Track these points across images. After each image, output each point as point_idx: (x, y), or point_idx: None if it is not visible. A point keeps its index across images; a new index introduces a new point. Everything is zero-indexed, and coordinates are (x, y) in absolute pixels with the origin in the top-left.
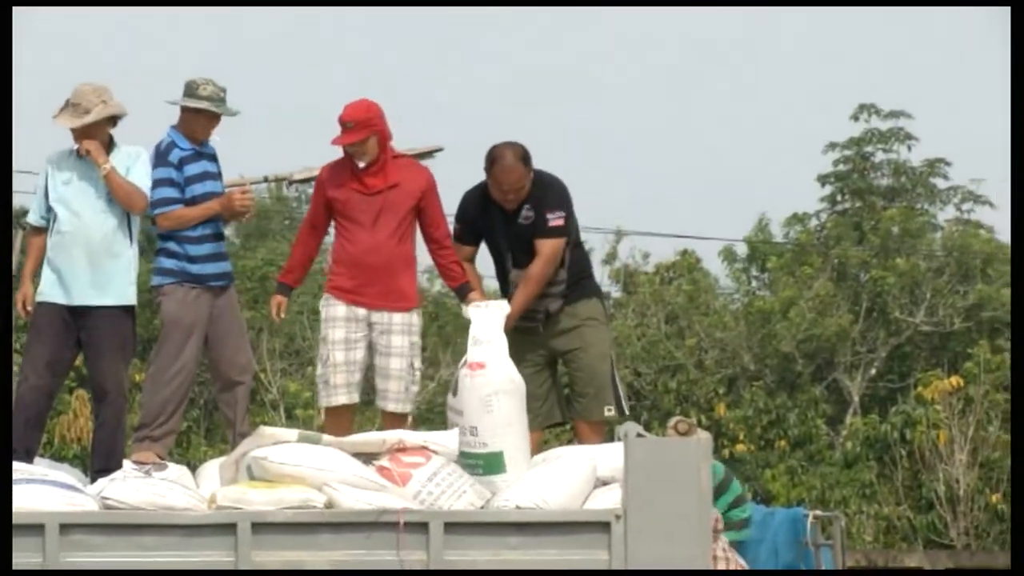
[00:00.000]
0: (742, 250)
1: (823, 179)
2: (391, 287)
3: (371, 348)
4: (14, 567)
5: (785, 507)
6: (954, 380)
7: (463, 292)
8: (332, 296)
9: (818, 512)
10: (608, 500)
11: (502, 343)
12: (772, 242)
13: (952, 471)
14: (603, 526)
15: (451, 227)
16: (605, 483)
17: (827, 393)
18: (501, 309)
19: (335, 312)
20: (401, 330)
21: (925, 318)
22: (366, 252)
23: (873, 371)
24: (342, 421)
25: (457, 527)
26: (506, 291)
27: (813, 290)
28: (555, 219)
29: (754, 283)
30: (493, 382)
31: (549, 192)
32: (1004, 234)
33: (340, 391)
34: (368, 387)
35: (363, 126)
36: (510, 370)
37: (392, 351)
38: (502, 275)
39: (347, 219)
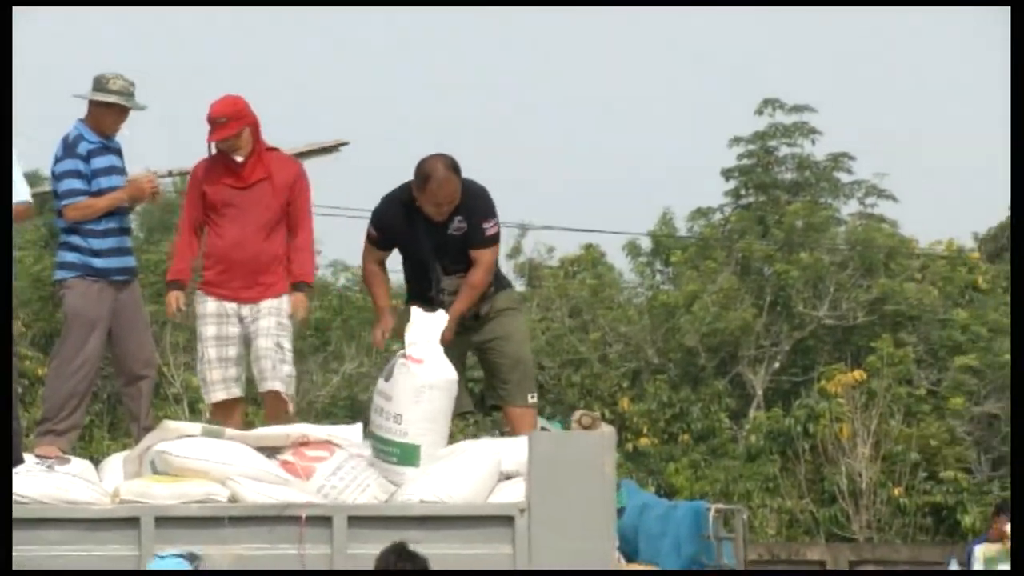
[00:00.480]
0: (646, 244)
1: (727, 173)
2: (257, 282)
3: (246, 341)
4: None
5: (688, 500)
6: (857, 374)
7: (298, 288)
8: (202, 292)
9: (720, 505)
10: (512, 494)
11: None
12: (676, 236)
13: (854, 464)
14: (507, 520)
15: (365, 229)
16: (509, 477)
17: (730, 387)
18: (440, 319)
19: (205, 308)
20: (268, 312)
21: (828, 312)
22: (232, 247)
23: (776, 365)
24: (228, 416)
25: (361, 521)
26: (430, 298)
27: (717, 284)
28: (491, 228)
29: (658, 277)
30: (429, 376)
31: (479, 201)
32: (907, 228)
33: (217, 387)
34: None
35: (235, 119)
36: (448, 369)
37: (259, 332)
38: (424, 282)
39: (218, 214)
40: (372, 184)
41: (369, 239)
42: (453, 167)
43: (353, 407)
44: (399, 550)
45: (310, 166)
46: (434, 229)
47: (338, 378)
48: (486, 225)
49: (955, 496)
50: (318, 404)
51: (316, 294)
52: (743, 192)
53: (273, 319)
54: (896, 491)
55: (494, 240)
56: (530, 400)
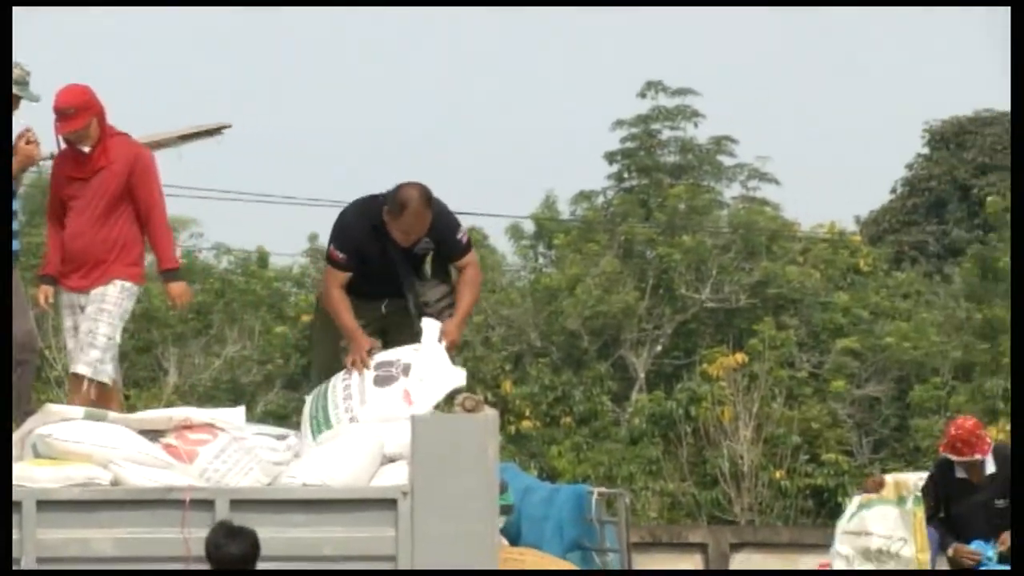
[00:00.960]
0: (529, 227)
1: (610, 157)
2: (91, 271)
3: None
4: None
5: (570, 484)
6: (739, 357)
7: (167, 278)
8: (57, 284)
9: (603, 489)
10: (395, 477)
11: (439, 389)
12: (559, 219)
13: (736, 447)
14: (390, 503)
15: (330, 250)
16: (392, 460)
17: (613, 370)
18: (435, 344)
19: (60, 300)
20: (91, 300)
21: (710, 295)
22: (71, 238)
23: (659, 348)
24: (101, 403)
25: (243, 504)
26: (406, 309)
27: (599, 267)
28: (463, 236)
29: (540, 260)
30: (401, 413)
31: (442, 218)
32: (789, 211)
33: None
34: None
35: (83, 110)
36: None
37: (84, 319)
38: (381, 300)
39: (66, 206)
40: (253, 167)
41: (335, 263)
42: (428, 200)
43: (235, 390)
44: (224, 528)
45: (192, 149)
46: (402, 249)
47: (220, 361)
48: (459, 236)
49: (836, 478)
50: (200, 387)
51: (198, 277)
52: (626, 175)
53: (94, 306)
54: (777, 474)
55: (470, 244)
56: None
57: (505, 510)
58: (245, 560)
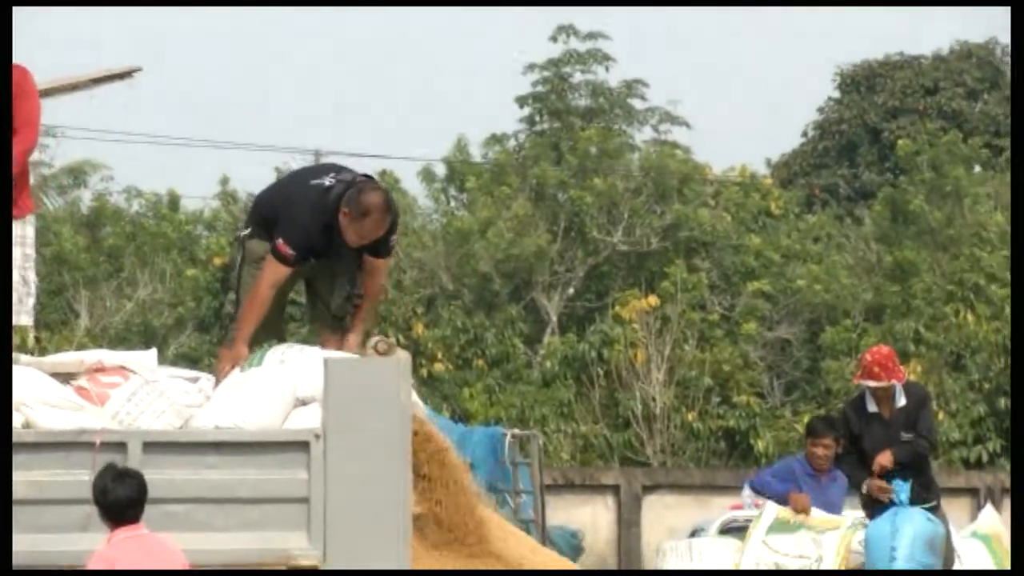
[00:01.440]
0: (441, 170)
1: (521, 100)
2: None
3: None
4: None
5: (483, 426)
6: (651, 299)
7: None
8: None
9: (516, 431)
10: (308, 419)
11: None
12: (471, 162)
13: (648, 390)
14: (302, 445)
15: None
16: (305, 403)
17: (525, 312)
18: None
19: None
20: (14, 242)
21: (622, 238)
22: None
23: (571, 291)
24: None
25: (156, 447)
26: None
27: (511, 210)
28: (395, 239)
29: (452, 203)
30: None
31: (396, 222)
32: (700, 155)
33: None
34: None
35: None
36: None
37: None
38: (329, 297)
39: None
40: (164, 110)
41: (283, 259)
42: (390, 205)
43: (147, 332)
44: (111, 472)
45: (103, 92)
46: (348, 247)
47: (132, 304)
48: (393, 239)
49: (748, 420)
50: (112, 330)
51: (109, 220)
52: (537, 119)
53: (18, 250)
54: (689, 416)
55: (393, 248)
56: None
57: None
58: (132, 503)
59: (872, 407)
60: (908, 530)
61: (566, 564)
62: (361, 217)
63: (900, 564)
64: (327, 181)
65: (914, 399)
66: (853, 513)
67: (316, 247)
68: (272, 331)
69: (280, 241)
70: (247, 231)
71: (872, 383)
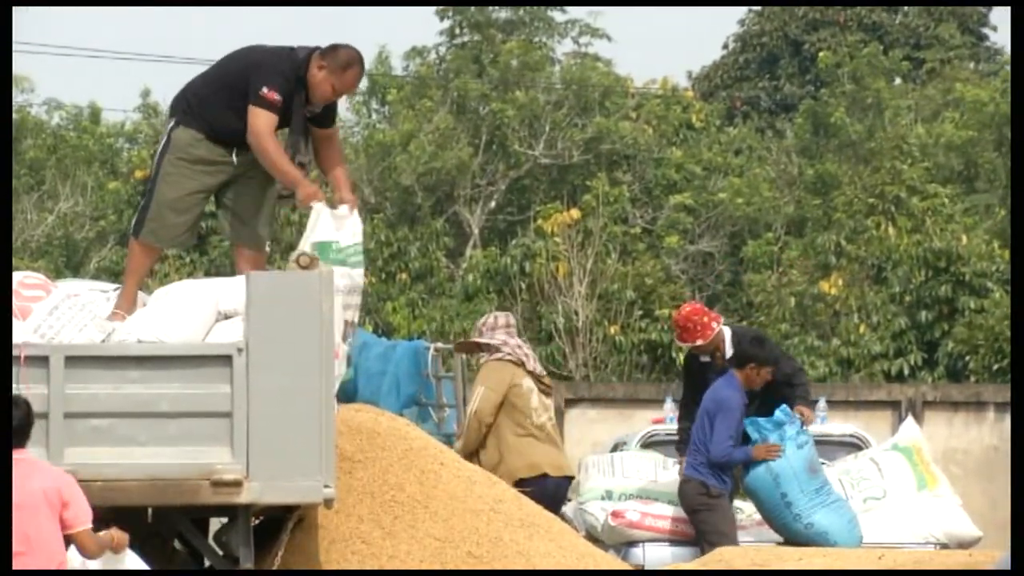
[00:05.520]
0: (362, 83)
1: (441, 13)
2: None
3: None
4: None
5: (406, 340)
6: (573, 212)
7: None
8: None
9: (440, 344)
10: (230, 333)
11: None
12: (392, 75)
13: (571, 303)
14: (225, 359)
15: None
16: (228, 317)
17: (447, 226)
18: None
19: None
20: None
21: (544, 151)
22: None
23: (493, 204)
24: None
25: (78, 361)
26: (254, 164)
27: (433, 123)
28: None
29: (374, 116)
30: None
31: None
32: (621, 67)
33: None
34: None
35: None
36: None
37: None
38: (242, 147)
39: None
40: (84, 22)
41: (272, 106)
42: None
43: (68, 246)
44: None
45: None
46: (306, 104)
47: (53, 217)
48: (338, 109)
49: (670, 334)
50: (33, 243)
51: (30, 133)
52: (458, 31)
53: None
54: (612, 329)
55: (336, 117)
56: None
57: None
58: (22, 428)
59: (704, 358)
60: (787, 471)
61: (488, 479)
62: (342, 69)
63: (798, 508)
64: (290, 47)
65: (738, 343)
66: None
67: (287, 100)
68: (174, 210)
69: (264, 90)
70: (172, 122)
71: (681, 344)
